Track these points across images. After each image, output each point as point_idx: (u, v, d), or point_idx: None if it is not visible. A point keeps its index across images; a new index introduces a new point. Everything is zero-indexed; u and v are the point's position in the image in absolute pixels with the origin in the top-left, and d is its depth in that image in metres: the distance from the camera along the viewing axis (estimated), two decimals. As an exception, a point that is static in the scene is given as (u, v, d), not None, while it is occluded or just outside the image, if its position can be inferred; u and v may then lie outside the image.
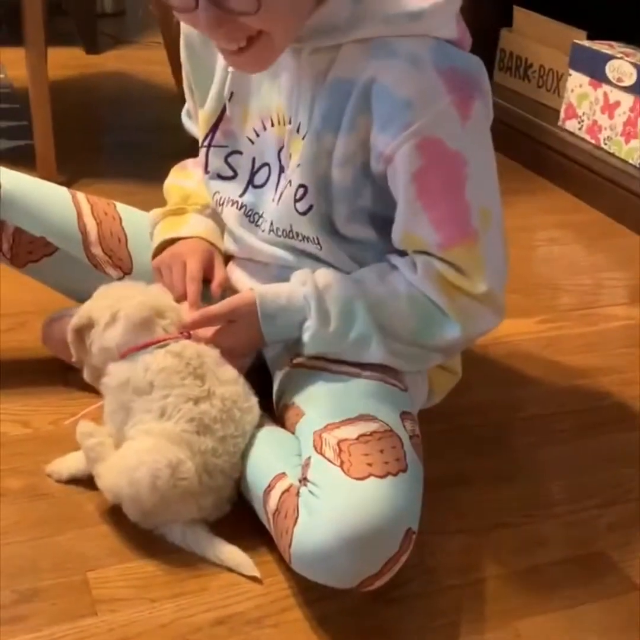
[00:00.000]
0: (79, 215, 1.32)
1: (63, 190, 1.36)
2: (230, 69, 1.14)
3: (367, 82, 1.01)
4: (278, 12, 0.97)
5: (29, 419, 1.29)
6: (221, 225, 1.26)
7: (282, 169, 1.13)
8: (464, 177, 1.03)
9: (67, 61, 2.87)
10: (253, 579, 1.04)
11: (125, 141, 2.41)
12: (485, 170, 1.07)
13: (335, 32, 1.01)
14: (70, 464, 1.16)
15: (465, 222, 1.04)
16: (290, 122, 1.09)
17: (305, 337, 1.09)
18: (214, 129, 1.20)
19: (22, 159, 2.00)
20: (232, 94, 1.16)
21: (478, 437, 1.34)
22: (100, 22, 3.22)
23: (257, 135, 1.16)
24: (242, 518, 1.10)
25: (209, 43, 1.12)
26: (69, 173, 2.05)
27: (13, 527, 1.10)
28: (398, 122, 1.00)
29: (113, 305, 1.13)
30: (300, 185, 1.10)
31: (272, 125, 1.13)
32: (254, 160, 1.18)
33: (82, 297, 1.35)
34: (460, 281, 1.06)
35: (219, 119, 1.19)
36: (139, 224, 1.32)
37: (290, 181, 1.11)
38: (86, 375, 1.18)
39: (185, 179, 1.32)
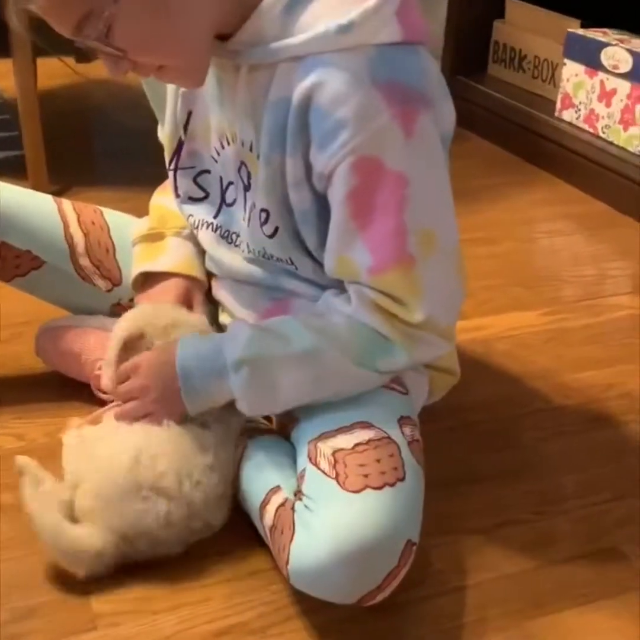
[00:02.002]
0: (66, 226, 1.29)
1: (48, 200, 1.33)
2: (181, 89, 1.12)
3: (302, 101, 0.95)
4: (155, 48, 0.95)
5: (24, 432, 1.27)
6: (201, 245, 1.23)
7: (246, 188, 1.09)
8: (402, 198, 0.96)
9: (57, 70, 2.85)
10: None
11: (117, 148, 2.40)
12: (431, 190, 0.99)
13: (267, 48, 0.96)
14: None
15: (401, 246, 0.97)
16: (242, 143, 1.05)
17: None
18: (178, 151, 1.17)
19: (14, 170, 1.98)
20: (190, 112, 1.13)
21: (484, 433, 1.32)
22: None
23: (218, 154, 1.12)
24: (241, 524, 1.08)
25: None
26: (61, 182, 2.04)
27: (9, 543, 1.08)
28: (334, 141, 0.94)
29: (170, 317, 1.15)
30: (263, 210, 1.06)
31: (228, 143, 1.09)
32: (221, 179, 1.14)
33: (73, 309, 1.34)
34: (395, 309, 1.00)
35: (181, 141, 1.16)
36: (126, 233, 1.29)
37: (254, 203, 1.07)
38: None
39: (167, 195, 1.26)
